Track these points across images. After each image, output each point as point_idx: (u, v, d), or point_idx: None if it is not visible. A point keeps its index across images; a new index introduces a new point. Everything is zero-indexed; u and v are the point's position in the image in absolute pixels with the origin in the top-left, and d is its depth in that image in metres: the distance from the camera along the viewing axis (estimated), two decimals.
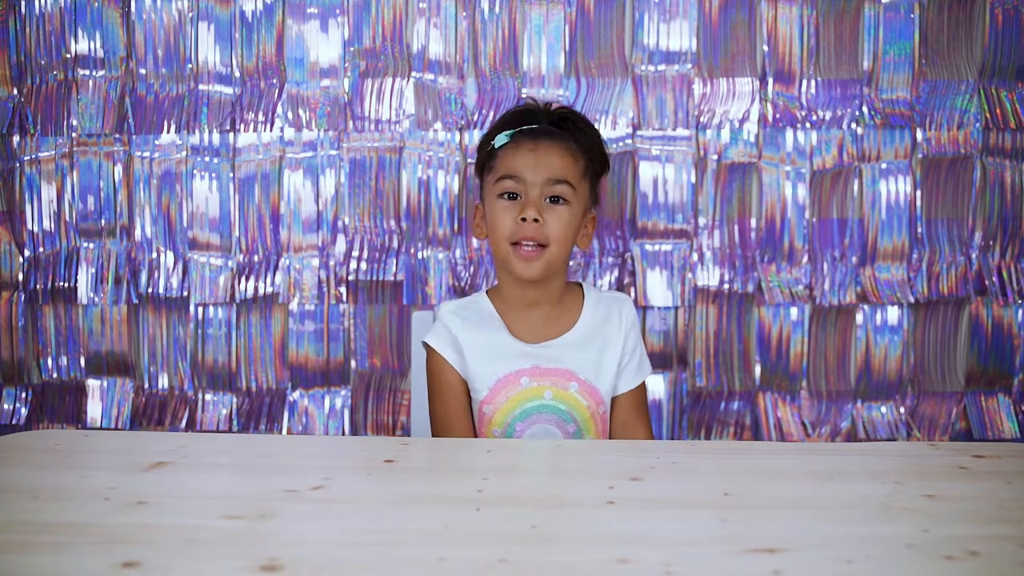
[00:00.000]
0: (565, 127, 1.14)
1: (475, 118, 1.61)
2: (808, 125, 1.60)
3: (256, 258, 1.64)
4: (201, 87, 1.64)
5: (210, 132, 1.63)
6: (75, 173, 1.66)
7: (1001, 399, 1.62)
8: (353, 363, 1.64)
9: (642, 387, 1.18)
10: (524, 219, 1.06)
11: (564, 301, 1.16)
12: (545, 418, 1.10)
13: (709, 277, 1.61)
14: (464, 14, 1.61)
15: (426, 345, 1.16)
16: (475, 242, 1.62)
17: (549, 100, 1.31)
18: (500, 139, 1.12)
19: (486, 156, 1.16)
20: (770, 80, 1.60)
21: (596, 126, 1.23)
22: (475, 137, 1.61)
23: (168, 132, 1.64)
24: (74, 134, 1.65)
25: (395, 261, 1.63)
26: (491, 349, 1.12)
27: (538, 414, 1.10)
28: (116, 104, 1.65)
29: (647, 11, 1.60)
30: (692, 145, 1.60)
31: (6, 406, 1.69)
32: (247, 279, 1.64)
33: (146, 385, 1.67)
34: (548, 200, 1.08)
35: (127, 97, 1.65)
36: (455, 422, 1.11)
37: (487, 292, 1.20)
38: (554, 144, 1.09)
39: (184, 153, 1.64)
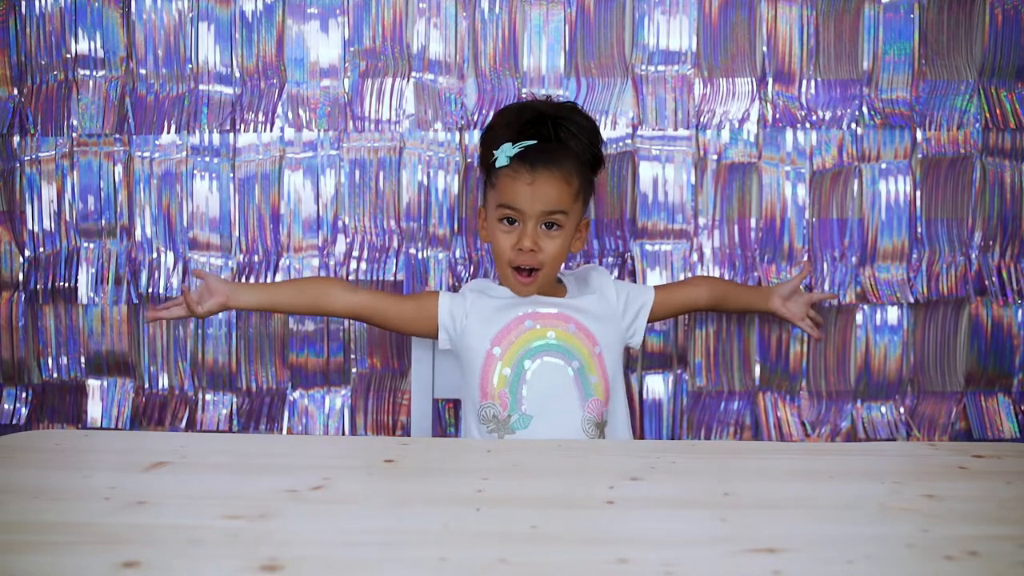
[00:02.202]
0: (562, 134, 1.23)
1: (475, 118, 1.61)
2: (808, 125, 1.60)
3: (256, 258, 1.64)
4: (201, 87, 1.64)
5: (210, 132, 1.63)
6: (75, 173, 1.66)
7: (1001, 399, 1.62)
8: (353, 363, 1.64)
9: (658, 288, 1.37)
10: (521, 248, 1.20)
11: (554, 286, 1.33)
12: (551, 354, 1.22)
13: None
14: (464, 14, 1.61)
15: (437, 294, 1.32)
16: (475, 243, 1.62)
17: (549, 96, 1.44)
18: (501, 159, 1.21)
19: (488, 164, 1.26)
20: (770, 80, 1.60)
21: (595, 120, 1.34)
22: (475, 137, 1.61)
23: (168, 132, 1.64)
24: (74, 134, 1.65)
25: (395, 261, 1.63)
26: (499, 304, 1.26)
27: (544, 351, 1.22)
28: (116, 104, 1.65)
29: (647, 11, 1.60)
30: (692, 145, 1.60)
31: (6, 406, 1.69)
32: (247, 279, 1.64)
33: (146, 385, 1.67)
34: (544, 226, 1.21)
35: (127, 97, 1.65)
36: (382, 296, 1.33)
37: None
38: (551, 175, 1.19)
39: (184, 153, 1.64)
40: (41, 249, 1.67)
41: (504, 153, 1.21)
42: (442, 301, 1.30)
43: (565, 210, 1.21)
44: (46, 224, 1.67)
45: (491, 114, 1.60)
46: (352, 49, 1.62)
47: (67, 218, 1.66)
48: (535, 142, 1.21)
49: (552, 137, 1.23)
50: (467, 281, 1.62)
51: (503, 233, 1.22)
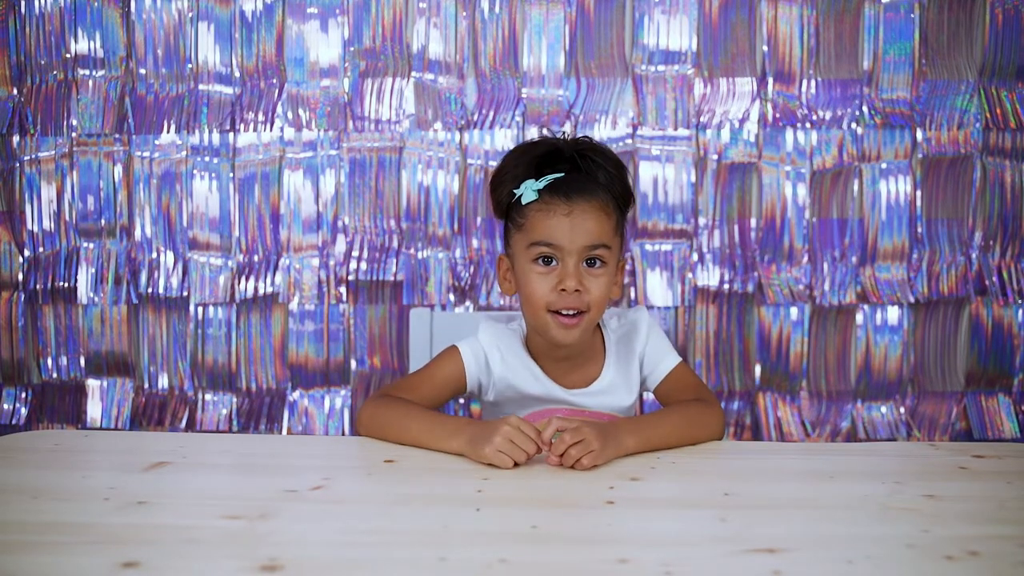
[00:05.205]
0: (587, 166, 1.07)
1: (475, 118, 1.61)
2: (808, 125, 1.60)
3: (256, 258, 1.64)
4: (201, 87, 1.64)
5: (210, 132, 1.63)
6: (75, 173, 1.66)
7: (1001, 399, 1.62)
8: (353, 363, 1.64)
9: (680, 371, 1.13)
10: (564, 289, 1.03)
11: (589, 344, 1.14)
12: None
13: (709, 277, 1.61)
14: (464, 14, 1.61)
15: (455, 347, 1.12)
16: (475, 243, 1.62)
17: (565, 133, 1.19)
18: (528, 194, 1.05)
19: (509, 204, 1.09)
20: (770, 80, 1.60)
21: (614, 153, 1.13)
22: (475, 137, 1.61)
23: (168, 132, 1.64)
24: (74, 134, 1.65)
25: (395, 261, 1.63)
26: (526, 391, 1.11)
27: None
28: (116, 104, 1.65)
29: (647, 11, 1.60)
30: (692, 145, 1.60)
31: (6, 406, 1.69)
32: (247, 279, 1.64)
33: (146, 385, 1.67)
34: (585, 264, 1.04)
35: (127, 97, 1.65)
36: (415, 397, 1.06)
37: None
38: (589, 205, 1.03)
39: (184, 153, 1.64)
40: (41, 249, 1.67)
41: (529, 188, 1.04)
42: (466, 361, 1.11)
43: (608, 244, 1.04)
44: (46, 224, 1.67)
45: (491, 114, 1.60)
46: (352, 49, 1.62)
47: (67, 218, 1.66)
48: (562, 174, 1.04)
49: (579, 168, 1.06)
50: (466, 282, 1.62)
51: (539, 276, 1.04)
